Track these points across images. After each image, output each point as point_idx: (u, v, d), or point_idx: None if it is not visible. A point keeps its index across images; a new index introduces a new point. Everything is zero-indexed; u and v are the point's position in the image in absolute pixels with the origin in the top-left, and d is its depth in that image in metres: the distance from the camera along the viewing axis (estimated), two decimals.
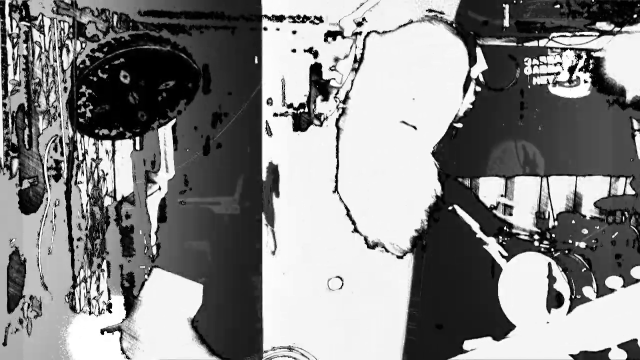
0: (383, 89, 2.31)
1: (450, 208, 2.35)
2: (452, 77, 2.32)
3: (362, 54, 2.30)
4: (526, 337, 2.36)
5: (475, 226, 2.35)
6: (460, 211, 2.35)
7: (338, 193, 2.34)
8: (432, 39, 2.30)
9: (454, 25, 2.31)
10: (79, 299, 2.33)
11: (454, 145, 2.35)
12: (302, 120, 2.33)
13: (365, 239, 2.36)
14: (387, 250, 2.37)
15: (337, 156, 2.34)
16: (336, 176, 2.35)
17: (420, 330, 2.39)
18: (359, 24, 2.29)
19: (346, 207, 2.35)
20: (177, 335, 2.36)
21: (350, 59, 2.31)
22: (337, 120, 2.33)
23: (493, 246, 2.36)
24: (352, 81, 2.32)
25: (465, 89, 2.32)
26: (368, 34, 2.30)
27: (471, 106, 2.33)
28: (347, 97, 2.32)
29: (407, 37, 2.30)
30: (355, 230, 2.36)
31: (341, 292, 2.38)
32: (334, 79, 2.32)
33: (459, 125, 2.33)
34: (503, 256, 2.36)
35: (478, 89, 2.33)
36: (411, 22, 2.30)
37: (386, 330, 2.39)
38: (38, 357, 2.33)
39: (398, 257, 2.37)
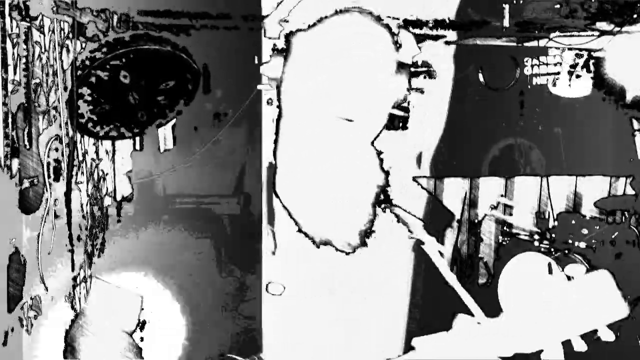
0: (313, 86, 2.30)
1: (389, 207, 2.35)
2: (381, 65, 2.31)
3: (287, 52, 2.30)
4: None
5: (416, 224, 2.35)
6: (398, 210, 2.34)
7: (277, 195, 2.33)
8: (356, 28, 2.29)
9: (373, 14, 2.30)
10: (79, 299, 2.33)
11: (454, 145, 2.35)
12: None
13: (312, 239, 2.35)
14: (337, 249, 2.36)
15: (274, 157, 2.33)
16: (274, 177, 2.33)
17: (420, 331, 2.39)
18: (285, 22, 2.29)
19: (286, 208, 2.34)
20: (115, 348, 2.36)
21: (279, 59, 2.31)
22: (277, 121, 2.32)
23: (432, 246, 2.35)
24: (281, 81, 2.31)
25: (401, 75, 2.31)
26: (292, 32, 2.29)
27: (408, 92, 2.32)
28: (279, 98, 2.32)
29: (330, 30, 2.29)
30: (300, 230, 2.35)
31: (341, 292, 2.38)
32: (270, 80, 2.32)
33: (400, 113, 2.32)
34: (442, 254, 2.36)
35: (418, 75, 2.32)
36: (336, 12, 2.30)
37: (386, 330, 2.39)
38: (38, 357, 2.33)
39: (347, 253, 2.36)
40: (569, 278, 2.34)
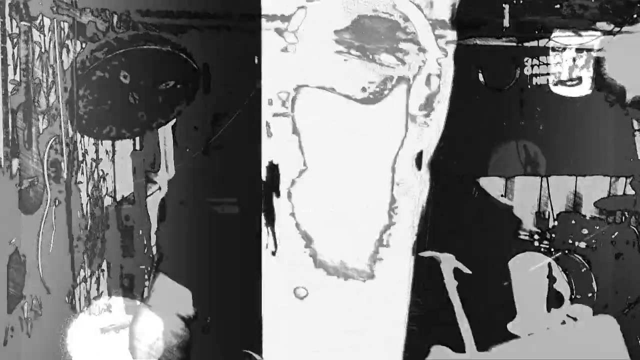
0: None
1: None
2: None
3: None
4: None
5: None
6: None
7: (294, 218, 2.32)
8: None
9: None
10: (79, 299, 2.33)
11: (454, 145, 2.35)
12: None
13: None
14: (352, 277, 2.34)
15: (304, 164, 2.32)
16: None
17: (421, 331, 2.39)
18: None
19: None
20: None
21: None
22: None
23: (449, 263, 2.34)
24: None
25: None
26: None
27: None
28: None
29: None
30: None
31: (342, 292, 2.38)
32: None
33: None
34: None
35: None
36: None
37: (386, 330, 2.39)
38: (38, 357, 2.33)
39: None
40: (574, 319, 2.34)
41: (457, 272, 2.35)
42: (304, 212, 2.31)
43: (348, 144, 2.29)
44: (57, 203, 2.30)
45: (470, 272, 2.32)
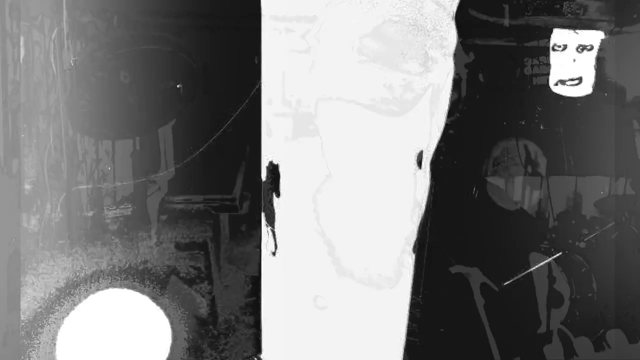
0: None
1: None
2: None
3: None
4: None
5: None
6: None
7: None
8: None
9: None
10: (79, 299, 2.33)
11: (454, 144, 2.35)
12: None
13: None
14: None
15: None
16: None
17: (421, 332, 2.39)
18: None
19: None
20: None
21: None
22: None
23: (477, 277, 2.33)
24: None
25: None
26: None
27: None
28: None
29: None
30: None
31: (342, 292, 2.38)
32: None
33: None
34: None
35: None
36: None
37: (386, 330, 2.39)
38: (38, 357, 2.33)
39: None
40: None
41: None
42: (328, 219, 2.29)
43: (372, 152, 2.27)
44: (57, 203, 2.30)
45: (497, 289, 2.33)
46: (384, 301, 2.39)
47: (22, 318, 2.30)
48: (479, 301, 2.34)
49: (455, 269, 2.35)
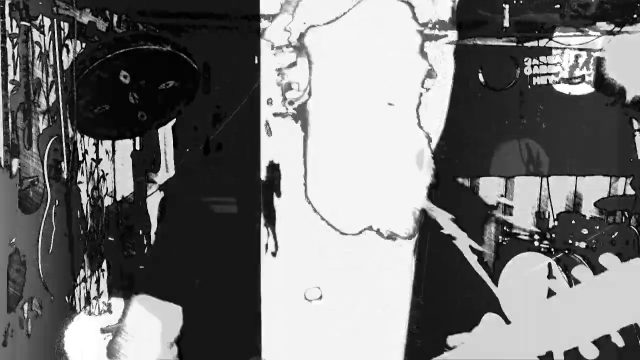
0: (342, 80, 2.27)
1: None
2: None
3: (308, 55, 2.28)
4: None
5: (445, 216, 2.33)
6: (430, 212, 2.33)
7: (308, 199, 2.31)
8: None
9: None
10: (79, 299, 2.33)
11: (455, 144, 2.35)
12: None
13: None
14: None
15: (304, 159, 2.32)
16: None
17: (422, 332, 2.39)
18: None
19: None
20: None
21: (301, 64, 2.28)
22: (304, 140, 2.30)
23: (464, 241, 2.33)
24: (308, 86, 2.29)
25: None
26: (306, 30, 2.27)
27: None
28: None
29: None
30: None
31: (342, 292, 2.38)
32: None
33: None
34: (474, 251, 2.34)
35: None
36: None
37: (386, 330, 2.39)
38: (38, 357, 2.33)
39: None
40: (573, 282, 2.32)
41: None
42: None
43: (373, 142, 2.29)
44: (57, 203, 2.30)
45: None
46: (384, 301, 2.39)
47: (22, 318, 2.31)
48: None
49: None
